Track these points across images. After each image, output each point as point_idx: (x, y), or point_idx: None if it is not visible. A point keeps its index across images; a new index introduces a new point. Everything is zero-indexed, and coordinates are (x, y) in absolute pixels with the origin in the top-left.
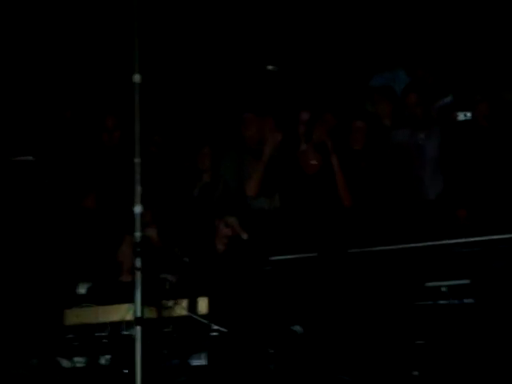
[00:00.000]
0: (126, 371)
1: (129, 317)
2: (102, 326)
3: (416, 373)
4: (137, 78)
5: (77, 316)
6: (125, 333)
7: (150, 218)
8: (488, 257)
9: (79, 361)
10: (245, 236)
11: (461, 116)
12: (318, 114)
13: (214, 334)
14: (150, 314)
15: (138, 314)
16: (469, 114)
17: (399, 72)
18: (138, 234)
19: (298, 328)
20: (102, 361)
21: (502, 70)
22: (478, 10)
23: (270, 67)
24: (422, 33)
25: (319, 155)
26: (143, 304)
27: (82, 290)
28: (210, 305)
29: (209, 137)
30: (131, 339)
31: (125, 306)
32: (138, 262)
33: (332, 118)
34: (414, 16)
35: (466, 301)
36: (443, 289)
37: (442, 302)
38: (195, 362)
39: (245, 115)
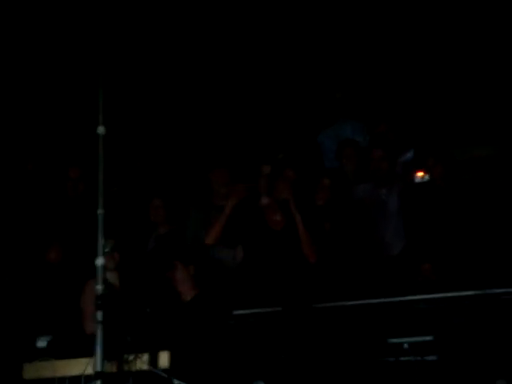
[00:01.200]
0: None
1: (88, 371)
2: (61, 381)
3: None
4: (101, 129)
5: (36, 370)
6: None
7: (113, 263)
8: (451, 313)
9: None
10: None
11: (418, 178)
12: (278, 168)
13: None
14: (111, 368)
15: (99, 368)
16: (426, 176)
17: (346, 125)
18: (99, 287)
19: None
20: None
21: (456, 127)
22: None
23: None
24: (381, 86)
25: (282, 211)
26: (104, 358)
27: (42, 343)
28: (172, 359)
29: (161, 189)
30: None
31: (84, 360)
32: (100, 315)
33: (293, 173)
34: (371, 69)
35: (428, 358)
36: (405, 345)
37: (404, 358)
38: None
39: (214, 170)
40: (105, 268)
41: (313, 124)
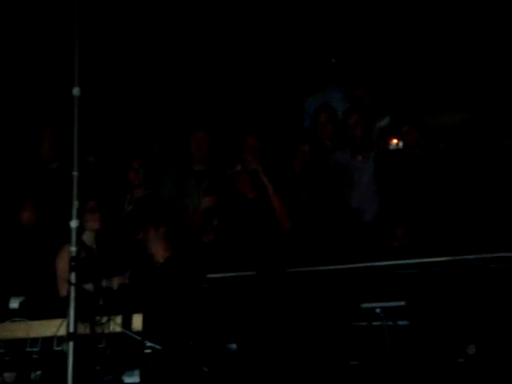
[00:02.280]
0: None
1: (61, 332)
2: (34, 341)
3: None
4: (76, 90)
5: (8, 330)
6: (57, 348)
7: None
8: (423, 279)
9: (9, 376)
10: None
11: (392, 145)
12: (241, 137)
13: (148, 351)
14: (84, 329)
15: (71, 329)
16: (400, 144)
17: (331, 92)
18: (73, 249)
19: (233, 346)
20: (33, 376)
21: (430, 95)
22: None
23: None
24: (359, 52)
25: (255, 181)
26: (76, 319)
27: (15, 304)
28: (145, 321)
29: (140, 150)
30: (63, 355)
31: (57, 321)
32: (73, 277)
33: (254, 141)
34: (349, 34)
35: (400, 323)
36: (378, 310)
37: (376, 323)
38: (128, 379)
39: (195, 133)
40: (84, 229)
41: (299, 89)
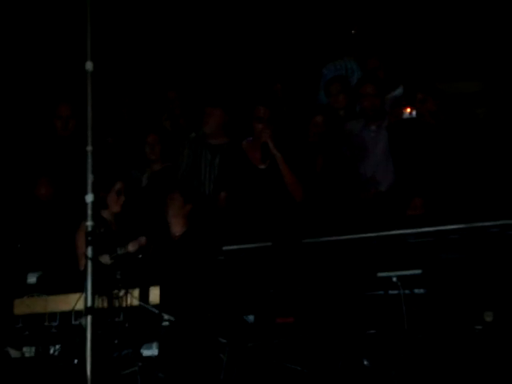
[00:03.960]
0: (76, 361)
1: (79, 306)
2: (52, 316)
3: (367, 362)
4: (89, 65)
5: (26, 306)
6: (75, 323)
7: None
8: (440, 247)
9: (28, 351)
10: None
11: (406, 114)
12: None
13: (166, 323)
14: (101, 303)
15: (89, 303)
16: (414, 113)
17: (350, 61)
18: (89, 224)
19: (250, 318)
20: (52, 351)
21: (444, 63)
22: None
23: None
24: (372, 22)
25: (266, 151)
26: (94, 293)
27: (32, 279)
28: (162, 294)
29: (154, 124)
30: (81, 329)
31: (75, 296)
32: (89, 252)
33: (264, 109)
34: (362, 6)
35: (416, 291)
36: (394, 279)
37: (393, 291)
38: (146, 352)
39: (206, 109)
40: (105, 206)
41: (317, 57)
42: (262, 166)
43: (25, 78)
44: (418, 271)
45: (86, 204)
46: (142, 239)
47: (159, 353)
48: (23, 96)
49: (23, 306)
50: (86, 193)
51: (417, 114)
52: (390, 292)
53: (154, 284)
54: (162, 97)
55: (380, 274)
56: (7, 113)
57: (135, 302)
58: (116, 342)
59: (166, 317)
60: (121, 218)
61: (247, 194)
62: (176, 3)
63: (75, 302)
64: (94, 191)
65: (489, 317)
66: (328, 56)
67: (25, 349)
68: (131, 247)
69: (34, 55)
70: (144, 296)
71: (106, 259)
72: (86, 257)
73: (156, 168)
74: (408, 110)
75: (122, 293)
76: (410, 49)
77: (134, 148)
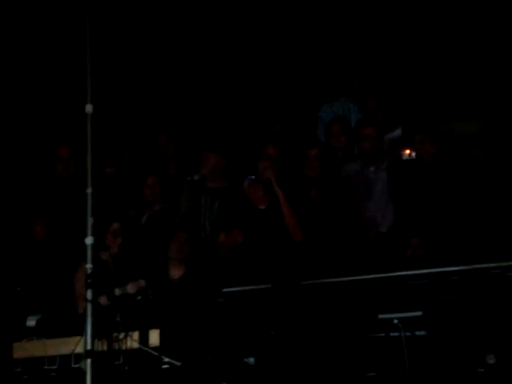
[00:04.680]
0: None
1: (79, 349)
2: (52, 360)
3: None
4: (89, 107)
5: (25, 349)
6: (74, 366)
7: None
8: (441, 289)
9: None
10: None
11: (405, 156)
12: (259, 146)
13: (166, 366)
14: (101, 346)
15: (89, 346)
16: (413, 154)
17: (347, 102)
18: (89, 266)
19: (251, 360)
20: None
21: (442, 105)
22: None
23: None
24: (370, 63)
25: (267, 190)
26: (94, 336)
27: (31, 322)
28: (162, 337)
29: (155, 166)
30: (81, 372)
31: (74, 339)
32: (89, 294)
33: (273, 149)
34: (360, 47)
35: (417, 333)
36: (395, 321)
37: (394, 333)
38: None
39: (203, 153)
40: (103, 247)
41: (314, 99)
42: (263, 207)
43: (26, 119)
44: (419, 313)
45: (85, 246)
46: (142, 282)
47: None
48: (24, 137)
49: (22, 350)
50: (85, 235)
51: (416, 155)
52: (391, 334)
53: (153, 327)
54: (153, 141)
55: (381, 316)
56: (8, 154)
57: (135, 345)
58: None
59: (165, 359)
60: (118, 259)
61: (247, 234)
62: (170, 45)
63: (75, 345)
64: (93, 233)
65: (491, 359)
66: (325, 97)
67: None
68: (130, 289)
69: (35, 97)
70: (144, 339)
71: (103, 300)
72: (86, 299)
73: (155, 208)
74: (407, 151)
75: (121, 335)
76: (408, 90)
77: (132, 189)
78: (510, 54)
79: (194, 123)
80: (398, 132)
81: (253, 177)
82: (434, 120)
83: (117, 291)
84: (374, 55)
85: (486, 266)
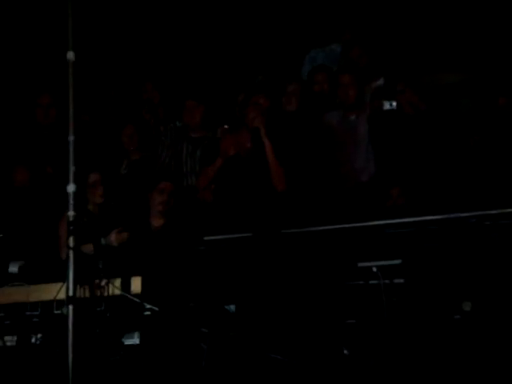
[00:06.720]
0: (58, 350)
1: (61, 296)
2: (34, 305)
3: (346, 351)
4: (71, 55)
5: (7, 295)
6: (56, 312)
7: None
8: (419, 238)
9: (10, 340)
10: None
11: (386, 105)
12: (250, 95)
13: (147, 313)
14: (83, 293)
15: (71, 293)
16: (394, 104)
17: (339, 47)
18: (71, 213)
19: (231, 307)
20: (33, 340)
21: (425, 55)
22: None
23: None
24: (358, 12)
25: (253, 138)
26: (76, 283)
27: (14, 268)
28: (144, 284)
29: (133, 116)
30: (63, 318)
31: (57, 285)
32: (71, 241)
33: (265, 99)
34: None
35: (396, 281)
36: (374, 269)
37: (373, 281)
38: (128, 341)
39: (186, 102)
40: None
41: (304, 42)
42: (244, 155)
43: (6, 67)
44: (398, 261)
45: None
46: (125, 234)
47: (140, 342)
48: (4, 85)
49: (5, 295)
50: (67, 183)
51: (397, 104)
52: (371, 282)
53: (135, 274)
54: (140, 88)
55: (360, 264)
56: None
57: (117, 292)
58: (98, 331)
59: (147, 306)
60: (104, 208)
61: (228, 184)
62: None
63: (57, 291)
64: (75, 181)
65: (467, 306)
66: (314, 43)
67: (6, 338)
68: (114, 241)
69: (15, 45)
70: (126, 286)
71: (89, 249)
72: (68, 246)
73: (134, 157)
74: (388, 101)
75: (103, 282)
76: (393, 40)
77: (111, 140)
78: (493, 4)
79: (176, 70)
80: (380, 81)
81: (226, 126)
82: (419, 70)
83: (102, 240)
84: (362, 7)
85: (463, 215)
